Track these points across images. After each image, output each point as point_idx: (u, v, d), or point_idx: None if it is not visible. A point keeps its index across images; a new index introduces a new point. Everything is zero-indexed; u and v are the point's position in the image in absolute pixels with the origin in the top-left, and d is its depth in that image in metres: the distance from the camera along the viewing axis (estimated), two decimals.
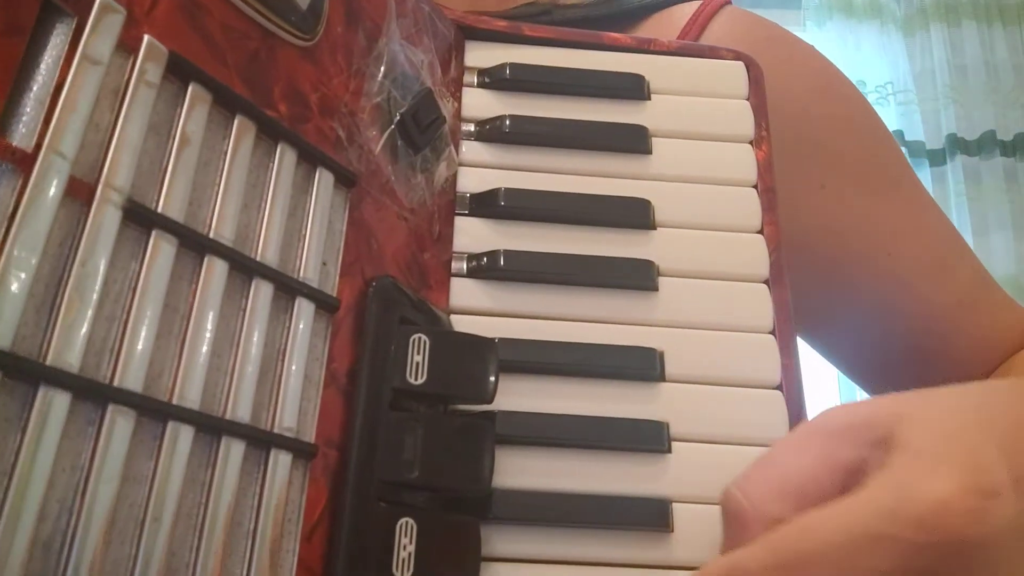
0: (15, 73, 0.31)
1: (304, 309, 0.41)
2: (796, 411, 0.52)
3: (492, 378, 0.46)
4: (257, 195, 0.40)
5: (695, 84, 0.61)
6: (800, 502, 0.40)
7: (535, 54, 0.60)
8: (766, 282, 0.55)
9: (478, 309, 0.52)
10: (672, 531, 0.48)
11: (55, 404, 0.30)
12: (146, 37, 0.35)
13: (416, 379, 0.44)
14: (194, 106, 0.37)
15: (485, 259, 0.53)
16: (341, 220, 0.45)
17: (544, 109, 0.58)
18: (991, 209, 3.01)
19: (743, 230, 0.57)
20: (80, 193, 0.32)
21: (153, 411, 0.33)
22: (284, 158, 0.41)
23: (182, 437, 0.34)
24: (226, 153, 0.39)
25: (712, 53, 0.63)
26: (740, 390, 0.52)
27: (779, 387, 0.53)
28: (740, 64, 0.62)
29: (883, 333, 0.78)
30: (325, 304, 0.42)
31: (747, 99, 0.61)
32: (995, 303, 0.78)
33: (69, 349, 0.31)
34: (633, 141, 0.58)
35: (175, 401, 0.34)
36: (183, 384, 0.35)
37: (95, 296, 0.32)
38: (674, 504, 0.49)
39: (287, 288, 0.40)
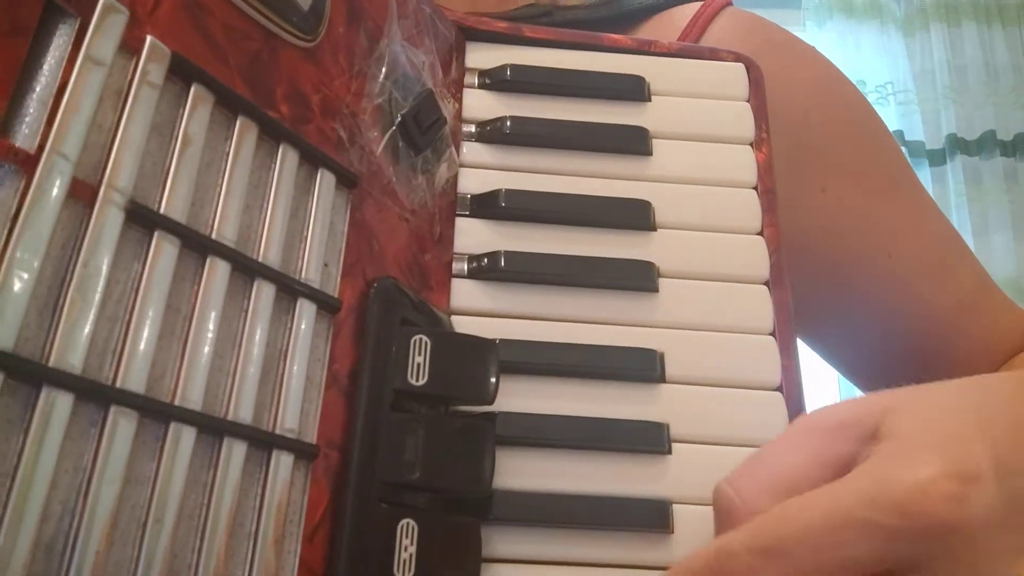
0: (18, 74, 0.31)
1: (306, 310, 0.41)
2: (796, 412, 0.52)
3: (493, 379, 0.46)
4: (259, 196, 0.40)
5: (695, 86, 0.61)
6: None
7: (536, 55, 0.60)
8: (766, 283, 0.55)
9: (479, 310, 0.53)
10: (672, 532, 0.48)
11: (58, 405, 0.30)
12: (149, 38, 0.35)
13: (417, 380, 0.44)
14: (196, 107, 0.37)
15: (486, 260, 0.53)
16: (342, 221, 0.45)
17: (544, 110, 0.58)
18: (991, 209, 3.01)
19: (743, 231, 0.57)
20: (83, 194, 0.32)
21: (155, 412, 0.33)
22: (286, 159, 0.42)
23: (184, 438, 0.34)
24: (228, 154, 0.39)
25: (712, 55, 0.63)
26: (740, 391, 0.52)
27: (779, 388, 0.53)
28: (740, 66, 0.62)
29: (883, 335, 0.78)
30: (327, 305, 0.42)
31: (747, 101, 0.61)
32: (995, 305, 0.78)
33: (72, 350, 0.31)
34: (633, 142, 0.58)
35: (177, 402, 0.34)
36: (185, 385, 0.35)
37: (97, 297, 0.32)
38: (674, 505, 0.49)
39: (289, 289, 0.40)
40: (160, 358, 0.34)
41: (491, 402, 0.47)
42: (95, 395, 0.32)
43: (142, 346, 0.33)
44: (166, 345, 0.35)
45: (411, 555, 0.41)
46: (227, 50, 0.39)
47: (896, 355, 0.78)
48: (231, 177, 0.39)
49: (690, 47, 0.66)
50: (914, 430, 0.39)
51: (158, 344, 0.34)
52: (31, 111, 0.32)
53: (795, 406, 0.52)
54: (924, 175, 3.02)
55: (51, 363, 0.30)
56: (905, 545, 0.36)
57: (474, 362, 0.47)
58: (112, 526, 0.31)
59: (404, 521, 0.42)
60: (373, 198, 0.47)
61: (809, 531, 0.37)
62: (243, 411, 0.37)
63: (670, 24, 0.77)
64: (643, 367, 0.52)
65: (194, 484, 0.35)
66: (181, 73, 0.37)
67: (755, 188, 0.58)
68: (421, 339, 0.45)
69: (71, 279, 0.31)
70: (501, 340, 0.49)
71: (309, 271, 0.42)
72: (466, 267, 0.53)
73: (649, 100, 0.60)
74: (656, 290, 0.54)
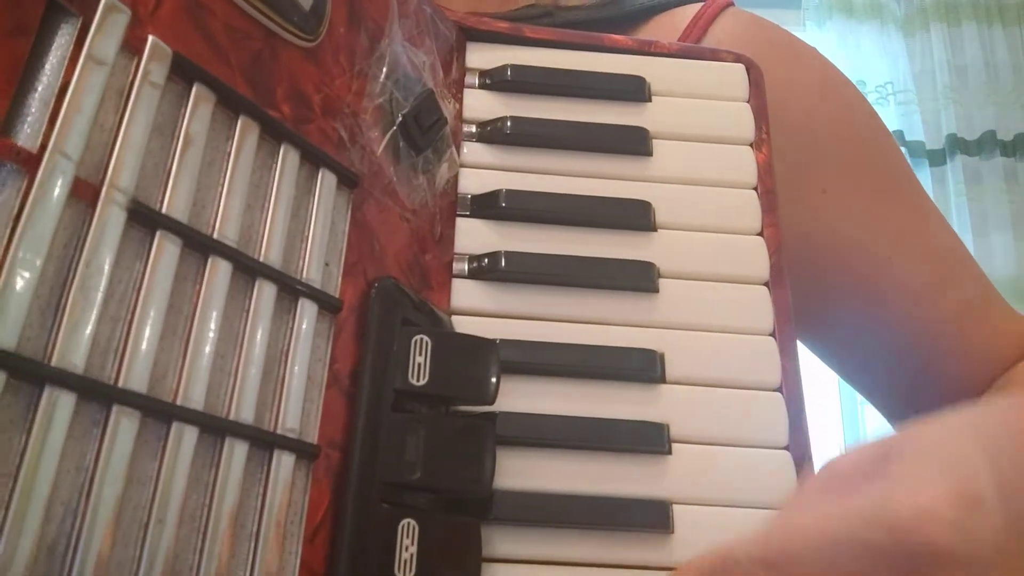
0: (20, 73, 0.31)
1: (307, 310, 0.41)
2: (796, 413, 0.52)
3: (493, 379, 0.46)
4: (260, 196, 0.40)
5: (696, 86, 0.61)
6: None
7: (536, 55, 0.60)
8: (766, 284, 0.56)
9: (479, 310, 0.53)
10: (672, 532, 0.48)
11: (60, 405, 0.30)
12: (150, 38, 0.35)
13: (418, 380, 0.44)
14: (198, 107, 0.37)
15: (486, 260, 0.53)
16: (343, 221, 0.45)
17: (545, 111, 0.58)
18: (991, 209, 3.01)
19: (743, 232, 0.57)
20: (85, 194, 0.32)
21: (157, 412, 0.34)
22: (287, 159, 0.42)
23: (186, 438, 0.34)
24: (229, 154, 0.39)
25: (713, 55, 0.63)
26: (740, 392, 0.52)
27: (779, 389, 0.53)
28: (740, 66, 0.62)
29: (882, 339, 0.78)
30: (328, 305, 0.42)
31: (747, 101, 0.61)
32: (996, 314, 0.77)
33: (74, 350, 0.31)
34: (634, 143, 0.58)
35: (179, 402, 0.34)
36: (187, 385, 0.35)
37: (99, 297, 0.32)
38: (674, 505, 0.49)
39: (290, 289, 0.40)
40: (162, 358, 0.34)
41: (491, 402, 0.47)
42: (97, 395, 0.32)
43: (144, 346, 0.33)
44: (168, 345, 0.35)
45: (412, 555, 0.41)
46: (228, 50, 0.39)
47: (895, 360, 0.78)
48: (232, 177, 0.39)
49: (691, 47, 0.66)
50: (919, 453, 0.39)
51: (160, 344, 0.34)
52: (33, 111, 0.32)
53: (795, 407, 0.52)
54: (924, 175, 3.02)
55: (53, 363, 0.30)
56: (903, 567, 0.36)
57: (475, 362, 0.47)
58: (114, 526, 0.31)
59: (405, 521, 0.42)
60: (374, 198, 0.47)
61: (810, 547, 0.37)
62: (244, 411, 0.37)
63: (671, 25, 0.77)
64: (643, 367, 0.52)
65: (196, 484, 0.35)
66: (183, 73, 0.37)
67: (755, 189, 0.58)
68: (422, 339, 0.45)
69: (73, 279, 0.31)
70: (501, 340, 0.49)
71: (310, 271, 0.42)
72: (467, 267, 0.53)
73: (649, 100, 0.60)
74: (656, 290, 0.54)
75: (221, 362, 0.37)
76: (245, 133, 0.39)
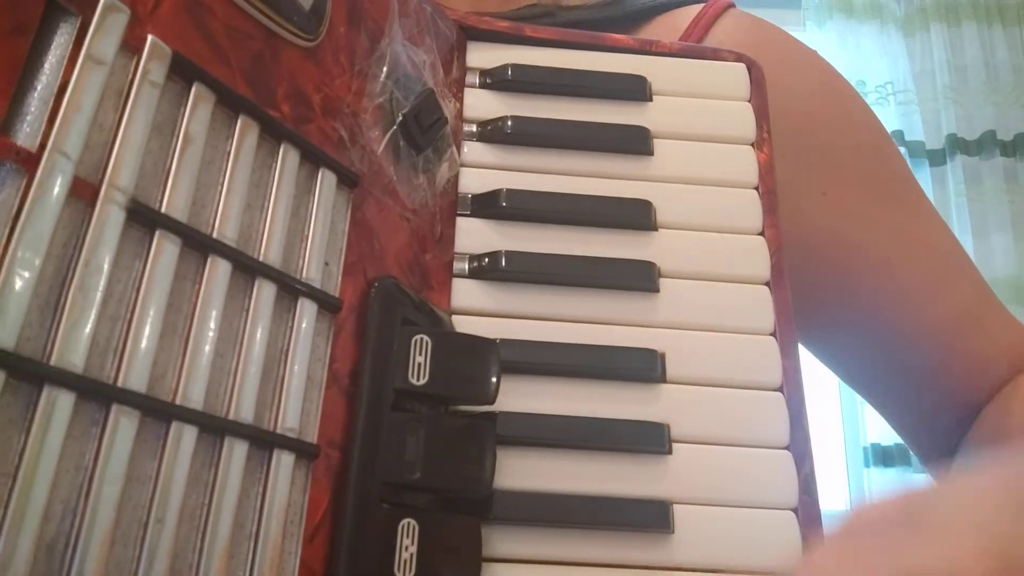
0: (19, 73, 0.31)
1: (307, 309, 0.41)
2: (796, 413, 0.52)
3: (494, 379, 0.46)
4: (260, 195, 0.40)
5: (697, 86, 0.61)
6: None
7: (537, 55, 0.60)
8: (767, 284, 0.55)
9: (479, 310, 0.53)
10: (672, 532, 0.48)
11: (59, 404, 0.30)
12: (150, 37, 0.35)
13: (418, 380, 0.44)
14: (197, 106, 0.37)
15: (486, 260, 0.53)
16: (343, 220, 0.45)
17: (546, 110, 0.58)
18: (991, 209, 3.01)
19: (744, 232, 0.57)
20: (84, 193, 0.32)
21: (157, 411, 0.34)
22: (287, 158, 0.42)
23: (185, 437, 0.34)
24: (229, 153, 0.39)
25: (714, 55, 0.63)
26: (741, 392, 0.52)
27: (780, 389, 0.53)
28: (742, 66, 0.62)
29: (881, 343, 0.78)
30: (327, 304, 0.42)
31: (748, 101, 0.61)
32: (996, 321, 0.77)
33: (73, 349, 0.31)
34: (635, 142, 0.58)
35: (178, 401, 0.34)
36: (186, 384, 0.35)
37: (99, 296, 0.32)
38: (675, 505, 0.49)
39: (290, 288, 0.40)
40: (161, 357, 0.34)
41: (492, 402, 0.47)
42: (96, 394, 0.32)
43: (143, 345, 0.33)
44: (167, 344, 0.35)
45: (412, 555, 0.41)
46: (228, 50, 0.39)
47: (895, 364, 0.78)
48: (232, 176, 0.39)
49: (692, 47, 0.66)
50: (952, 510, 0.39)
51: (159, 343, 0.34)
52: (32, 110, 0.32)
53: (796, 407, 0.52)
54: (924, 175, 3.02)
55: (52, 362, 0.30)
56: None
57: (475, 362, 0.47)
58: (114, 526, 0.31)
59: (405, 521, 0.42)
60: (374, 197, 0.47)
61: None
62: (244, 410, 0.37)
63: (673, 25, 0.77)
64: (644, 367, 0.52)
65: (195, 484, 0.35)
66: (182, 72, 0.37)
67: (756, 188, 0.58)
68: (422, 339, 0.45)
69: (72, 278, 0.31)
70: (502, 340, 0.49)
71: (310, 270, 0.42)
72: (467, 267, 0.53)
73: (650, 100, 0.60)
74: (657, 290, 0.54)
75: (220, 361, 0.37)
76: (245, 133, 0.39)
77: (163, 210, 0.35)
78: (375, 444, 0.42)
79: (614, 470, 0.49)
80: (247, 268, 0.38)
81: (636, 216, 0.56)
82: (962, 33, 3.21)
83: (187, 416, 0.34)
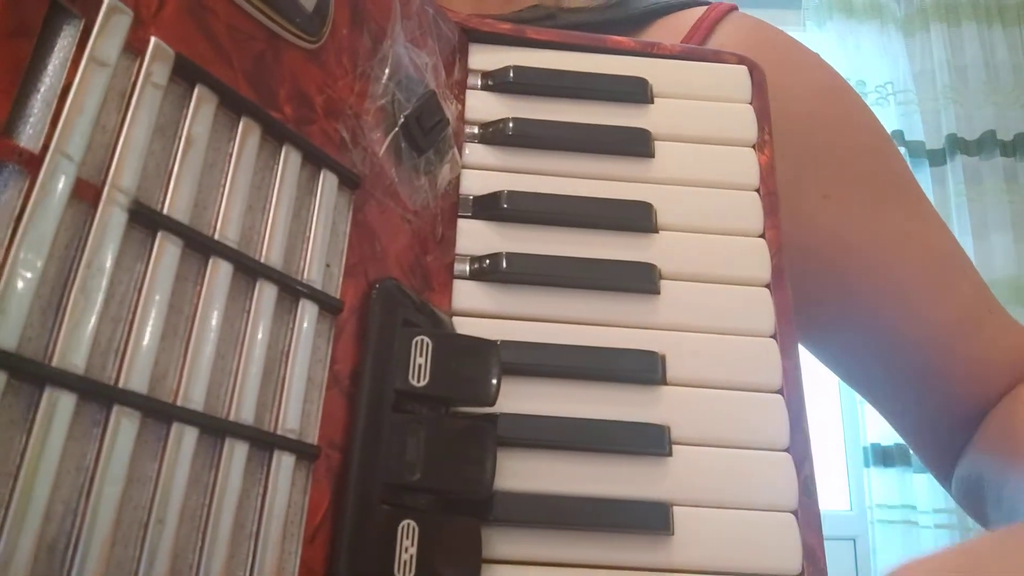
0: (23, 74, 0.31)
1: (308, 311, 0.41)
2: (796, 415, 0.52)
3: (494, 380, 0.46)
4: (262, 197, 0.40)
5: (698, 88, 0.61)
6: None
7: (539, 57, 0.60)
8: (767, 286, 0.55)
9: (480, 311, 0.53)
10: (673, 534, 0.48)
11: (60, 405, 0.30)
12: (153, 39, 0.35)
13: (418, 381, 0.44)
14: (200, 108, 0.37)
15: (487, 261, 0.53)
16: (345, 222, 0.45)
17: (547, 112, 0.58)
18: (991, 209, 3.01)
19: (745, 234, 0.57)
20: (86, 194, 0.32)
21: (158, 412, 0.34)
22: (289, 160, 0.42)
23: (186, 439, 0.34)
24: (231, 155, 0.39)
25: (715, 57, 0.63)
26: (741, 394, 0.52)
27: (780, 391, 0.53)
28: (743, 68, 0.62)
29: (882, 345, 0.78)
30: (328, 306, 0.42)
31: (750, 103, 0.61)
32: (996, 324, 0.77)
33: (74, 350, 0.31)
34: (636, 144, 0.58)
35: (179, 402, 0.34)
36: (187, 385, 0.35)
37: (100, 297, 0.32)
38: (675, 507, 0.49)
39: (291, 290, 0.40)
40: (162, 358, 0.34)
41: (492, 403, 0.47)
42: (98, 395, 0.32)
43: (144, 346, 0.33)
44: (168, 345, 0.35)
45: (412, 556, 0.41)
46: (231, 51, 0.39)
47: (896, 366, 0.78)
48: (234, 178, 0.39)
49: (693, 49, 0.66)
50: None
51: (160, 344, 0.34)
52: (35, 111, 0.32)
53: (796, 408, 0.52)
54: (924, 175, 3.03)
55: (54, 363, 0.30)
56: None
57: (475, 363, 0.47)
58: (115, 527, 0.31)
59: (405, 522, 0.42)
60: (376, 199, 0.47)
61: None
62: (245, 411, 0.37)
63: (675, 27, 0.77)
64: (644, 369, 0.52)
65: (196, 484, 0.35)
66: (185, 74, 0.37)
67: (757, 190, 0.58)
68: (423, 340, 0.45)
69: (74, 279, 0.31)
70: (502, 341, 0.49)
71: (311, 272, 0.42)
72: (468, 268, 0.53)
73: (651, 102, 0.60)
74: (657, 292, 0.54)
75: (221, 363, 0.37)
76: (247, 134, 0.39)
77: (165, 211, 0.35)
78: (375, 445, 0.43)
79: (614, 472, 0.49)
80: (248, 269, 0.39)
81: (637, 218, 0.56)
82: (962, 33, 3.21)
83: (188, 417, 0.34)
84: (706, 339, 0.54)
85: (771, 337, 0.54)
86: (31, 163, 0.31)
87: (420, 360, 0.45)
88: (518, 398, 0.50)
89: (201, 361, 0.36)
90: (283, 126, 0.41)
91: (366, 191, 0.47)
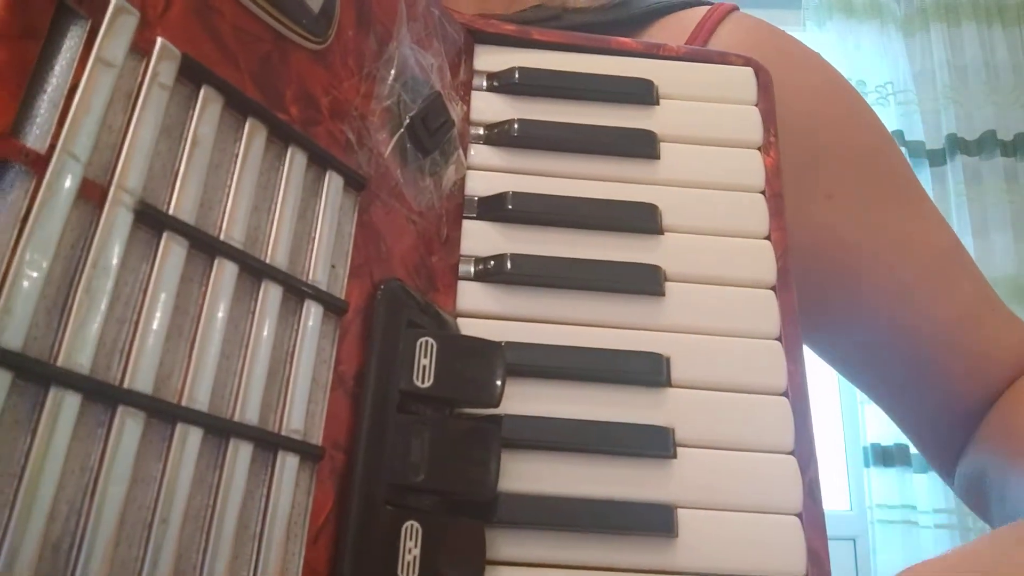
0: (30, 75, 0.31)
1: (313, 311, 0.41)
2: (801, 417, 0.52)
3: (499, 382, 0.46)
4: (267, 197, 0.40)
5: (704, 89, 0.61)
6: None
7: (544, 58, 0.60)
8: (773, 288, 0.55)
9: (485, 313, 0.53)
10: (677, 536, 0.48)
11: (65, 405, 0.30)
12: (159, 40, 0.35)
13: (423, 382, 0.44)
14: (206, 108, 0.37)
15: (492, 263, 0.53)
16: (350, 223, 0.45)
17: (553, 113, 0.58)
18: (991, 209, 3.01)
19: (750, 236, 0.57)
20: (92, 195, 0.32)
21: (162, 413, 0.34)
22: (294, 161, 0.42)
23: (191, 439, 0.34)
24: (237, 156, 0.39)
25: (721, 59, 0.63)
26: (746, 396, 0.52)
27: (784, 393, 0.53)
28: (749, 70, 0.62)
29: (885, 342, 0.78)
30: (333, 307, 0.42)
31: (756, 105, 0.61)
32: (997, 320, 0.78)
33: (80, 350, 0.31)
34: (641, 146, 0.58)
35: (184, 403, 0.34)
36: (192, 386, 0.35)
37: (106, 298, 0.32)
38: (679, 510, 0.49)
39: (296, 290, 0.40)
40: (167, 359, 0.34)
41: (497, 405, 0.47)
42: (102, 395, 0.32)
43: (149, 347, 0.33)
44: (173, 346, 0.35)
45: (415, 557, 0.41)
46: (237, 52, 0.39)
47: (899, 364, 0.78)
48: (240, 179, 0.39)
49: (699, 51, 0.66)
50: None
51: (165, 345, 0.34)
52: (42, 112, 0.32)
53: (800, 411, 0.52)
54: (924, 175, 3.03)
55: (59, 363, 0.30)
56: None
57: (480, 365, 0.47)
58: (119, 526, 0.31)
59: (408, 523, 0.42)
60: (381, 200, 0.47)
61: None
62: (249, 412, 0.37)
63: (678, 27, 0.77)
64: (649, 371, 0.52)
65: (200, 485, 0.35)
66: (191, 75, 0.37)
67: (763, 192, 0.58)
68: (427, 341, 0.45)
69: (80, 279, 0.31)
70: (507, 343, 0.50)
71: (316, 273, 0.42)
72: (472, 269, 0.53)
73: (657, 104, 0.60)
74: (663, 294, 0.54)
75: (226, 363, 0.37)
76: (253, 135, 0.39)
77: (171, 212, 0.35)
78: (380, 446, 0.43)
79: (619, 474, 0.49)
80: (254, 270, 0.38)
81: (642, 220, 0.56)
82: (962, 33, 3.21)
83: (192, 418, 0.34)
84: (711, 341, 0.53)
85: (776, 339, 0.54)
86: (37, 163, 0.31)
87: (424, 361, 0.45)
88: (522, 399, 0.50)
89: (206, 362, 0.36)
90: (289, 127, 0.41)
91: (371, 192, 0.47)
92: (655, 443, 0.50)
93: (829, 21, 3.23)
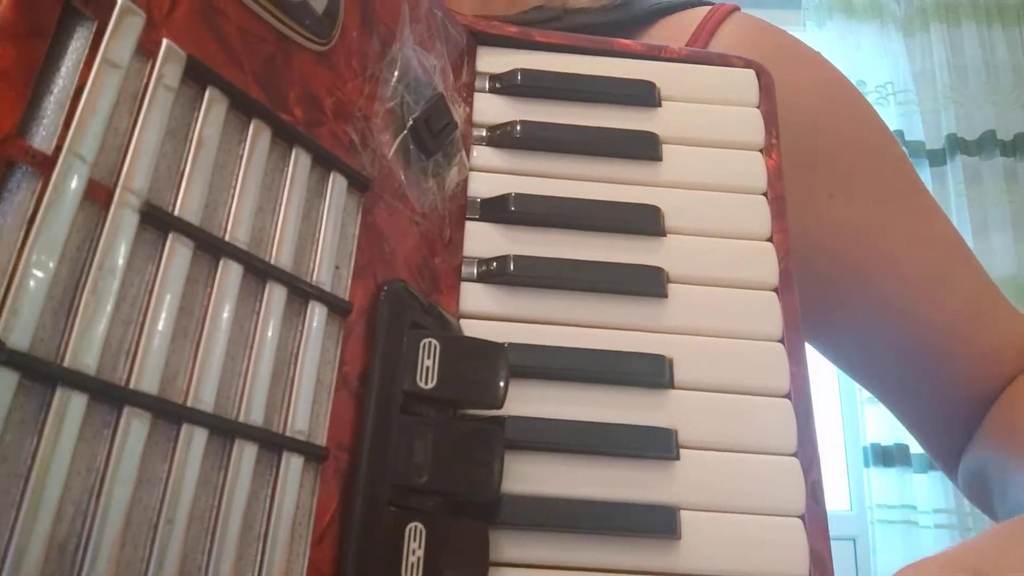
0: (36, 76, 0.31)
1: (317, 312, 0.41)
2: (804, 419, 0.52)
3: (502, 383, 0.46)
4: (272, 199, 0.40)
5: (706, 91, 0.61)
6: None
7: (546, 60, 0.60)
8: (775, 290, 0.55)
9: (488, 314, 0.53)
10: (679, 538, 0.48)
11: (72, 406, 0.30)
12: (165, 41, 0.35)
13: (426, 383, 0.45)
14: (211, 110, 0.37)
15: (495, 264, 0.53)
16: (354, 224, 0.45)
17: (555, 115, 0.58)
18: (991, 209, 3.02)
19: (753, 238, 0.57)
20: (98, 196, 0.32)
21: (168, 413, 0.34)
22: (298, 162, 0.42)
23: (196, 439, 0.34)
24: (242, 157, 0.39)
25: (723, 60, 0.63)
26: (749, 398, 0.52)
27: (787, 395, 0.53)
28: (751, 72, 0.62)
29: (889, 337, 0.78)
30: (337, 307, 0.42)
31: (758, 107, 0.61)
32: (1000, 313, 0.78)
33: (86, 351, 0.31)
34: (643, 148, 0.58)
35: (189, 403, 0.34)
36: (197, 387, 0.35)
37: (112, 298, 0.32)
38: (682, 511, 0.49)
39: (300, 291, 0.41)
40: (173, 360, 0.34)
41: (500, 406, 0.47)
42: (109, 396, 0.32)
43: (155, 347, 0.33)
44: (179, 347, 0.35)
45: (419, 558, 0.41)
46: (242, 53, 0.39)
47: (902, 361, 0.79)
48: (244, 180, 0.39)
49: (701, 53, 0.66)
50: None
51: (171, 346, 0.34)
52: (48, 113, 0.32)
53: (803, 412, 0.52)
54: (924, 175, 3.03)
55: (66, 363, 0.30)
56: None
57: (483, 366, 0.47)
58: (125, 527, 0.31)
59: (412, 524, 0.42)
60: (384, 201, 0.47)
61: None
62: (254, 413, 0.37)
63: (679, 27, 0.78)
64: (652, 372, 0.52)
65: (205, 485, 0.35)
66: (196, 76, 0.37)
67: (765, 194, 0.58)
68: (430, 342, 0.45)
69: (86, 280, 0.32)
70: (510, 344, 0.50)
71: (320, 273, 0.42)
72: (475, 271, 0.53)
73: (659, 105, 0.60)
74: (665, 295, 0.54)
75: (231, 364, 0.37)
76: (257, 136, 0.39)
77: (176, 213, 0.35)
78: (383, 447, 0.43)
79: (621, 475, 0.49)
80: (258, 271, 0.39)
81: (644, 221, 0.56)
82: (962, 33, 3.21)
83: (198, 418, 0.34)
84: (714, 343, 0.54)
85: (779, 341, 0.54)
86: (44, 164, 0.31)
87: (428, 362, 0.45)
88: (526, 401, 0.50)
89: (211, 362, 0.36)
90: (293, 128, 0.41)
91: (375, 193, 0.47)
92: (658, 445, 0.50)
93: (829, 21, 3.23)
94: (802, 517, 0.50)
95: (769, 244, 0.57)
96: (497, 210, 0.55)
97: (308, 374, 0.40)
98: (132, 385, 0.32)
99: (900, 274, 0.76)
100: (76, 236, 0.32)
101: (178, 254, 0.35)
